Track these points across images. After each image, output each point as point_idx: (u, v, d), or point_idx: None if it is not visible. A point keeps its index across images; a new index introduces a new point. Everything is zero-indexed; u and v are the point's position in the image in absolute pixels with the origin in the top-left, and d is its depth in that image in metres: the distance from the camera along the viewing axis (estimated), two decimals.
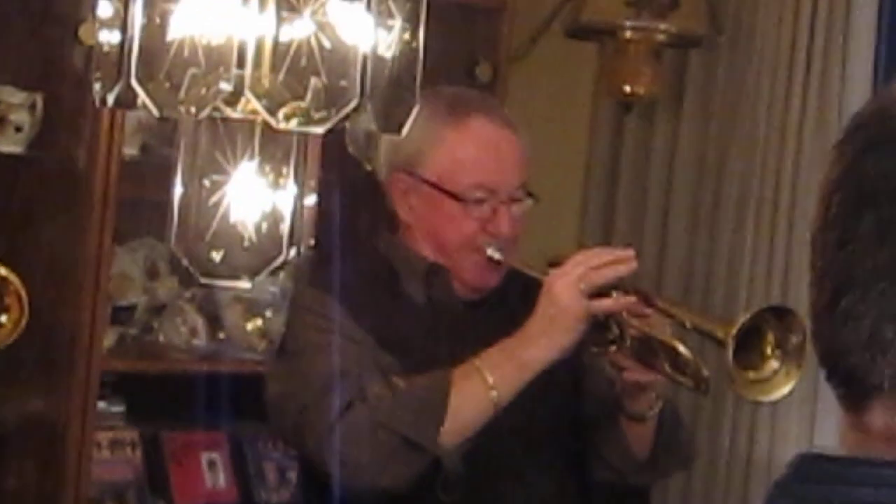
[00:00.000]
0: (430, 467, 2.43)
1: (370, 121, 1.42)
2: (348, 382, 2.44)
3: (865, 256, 1.02)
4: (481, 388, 2.42)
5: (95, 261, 3.23)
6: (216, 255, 1.48)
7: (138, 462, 3.54)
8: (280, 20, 1.40)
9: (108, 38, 1.43)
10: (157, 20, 1.39)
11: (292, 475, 3.69)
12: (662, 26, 3.72)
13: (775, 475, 1.08)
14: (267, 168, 1.48)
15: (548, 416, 2.60)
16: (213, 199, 1.47)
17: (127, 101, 1.40)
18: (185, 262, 1.49)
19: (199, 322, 3.59)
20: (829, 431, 3.47)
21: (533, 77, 3.91)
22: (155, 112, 1.40)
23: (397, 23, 1.43)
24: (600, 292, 2.43)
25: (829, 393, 1.07)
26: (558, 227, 3.77)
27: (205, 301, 3.63)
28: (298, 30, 1.40)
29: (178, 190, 1.49)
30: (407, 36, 1.44)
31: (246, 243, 1.47)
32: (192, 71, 1.39)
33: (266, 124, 1.42)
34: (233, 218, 1.48)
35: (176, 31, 1.40)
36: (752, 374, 2.40)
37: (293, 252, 1.48)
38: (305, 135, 1.46)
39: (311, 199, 1.54)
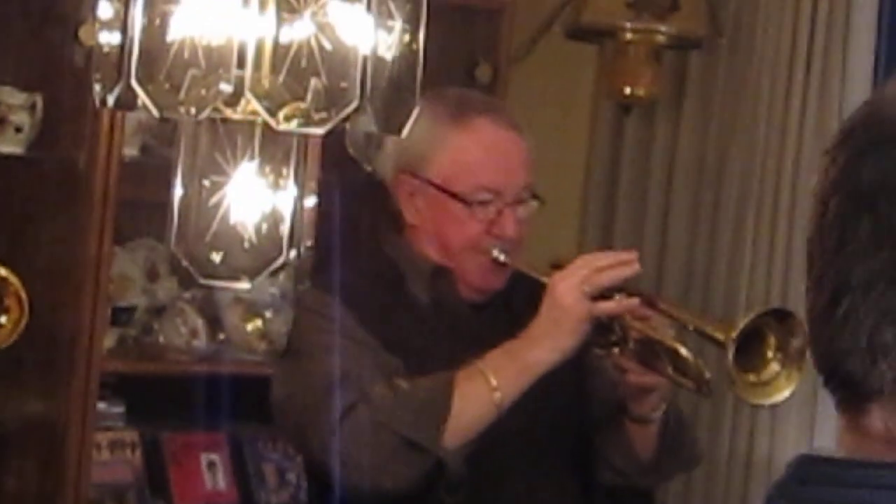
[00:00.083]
0: (432, 469, 2.43)
1: (370, 122, 1.42)
2: (351, 384, 2.44)
3: (863, 260, 1.02)
4: (484, 389, 2.42)
5: (95, 262, 3.23)
6: (216, 256, 1.48)
7: (138, 463, 3.54)
8: (280, 21, 1.40)
9: (109, 38, 1.43)
10: (158, 21, 1.39)
11: (292, 476, 3.69)
12: (662, 28, 3.72)
13: (775, 476, 1.08)
14: (267, 169, 1.48)
15: (551, 418, 2.60)
16: (213, 200, 1.47)
17: (127, 101, 1.40)
18: (185, 263, 1.49)
19: (199, 323, 3.59)
20: (828, 433, 3.47)
21: (533, 78, 3.91)
22: (155, 113, 1.40)
23: (397, 24, 1.43)
24: (603, 295, 2.43)
25: (828, 395, 1.07)
26: (558, 228, 3.77)
27: (205, 302, 3.63)
28: (298, 31, 1.40)
29: (178, 191, 1.49)
30: (407, 37, 1.44)
31: (246, 244, 1.47)
32: (192, 72, 1.39)
33: (266, 125, 1.42)
34: (233, 219, 1.48)
35: (176, 31, 1.40)
36: (752, 377, 2.40)
37: (293, 253, 1.48)
38: (305, 136, 1.46)
39: (311, 201, 1.54)
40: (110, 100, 1.42)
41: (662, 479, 2.83)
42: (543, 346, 2.42)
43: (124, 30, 1.40)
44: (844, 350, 1.02)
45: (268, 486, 3.69)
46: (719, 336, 2.40)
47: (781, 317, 2.40)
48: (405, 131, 1.47)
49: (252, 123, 1.45)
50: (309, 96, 1.38)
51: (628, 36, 3.73)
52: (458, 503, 2.50)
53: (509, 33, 3.80)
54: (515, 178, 2.58)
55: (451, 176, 2.56)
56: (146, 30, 1.39)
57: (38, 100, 3.30)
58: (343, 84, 1.38)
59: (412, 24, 1.44)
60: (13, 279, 2.83)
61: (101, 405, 3.40)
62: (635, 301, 2.45)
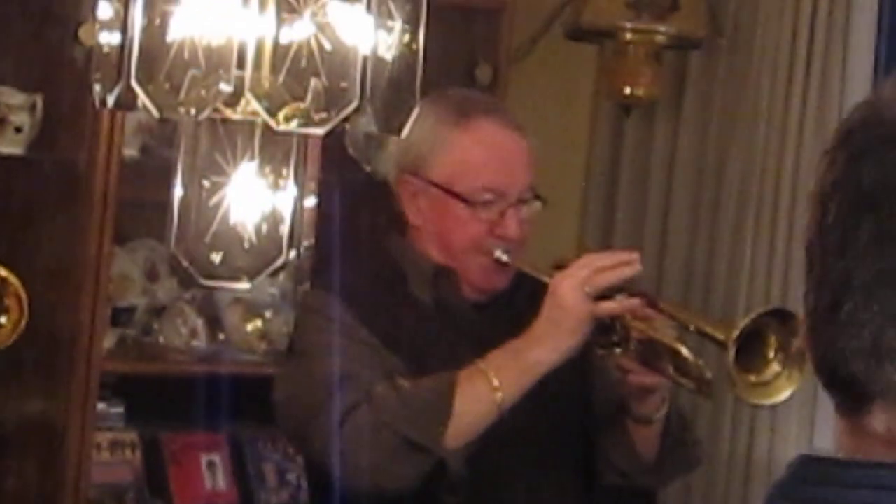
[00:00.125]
0: (434, 469, 2.43)
1: (370, 122, 1.42)
2: (354, 384, 2.45)
3: (866, 263, 1.02)
4: (486, 389, 2.42)
5: (95, 262, 3.23)
6: (216, 257, 1.48)
7: (138, 463, 3.54)
8: (280, 21, 1.40)
9: (109, 39, 1.43)
10: (158, 21, 1.40)
11: (292, 476, 3.69)
12: (662, 28, 3.72)
13: (775, 477, 1.08)
14: (267, 169, 1.48)
15: (553, 419, 2.60)
16: (213, 200, 1.48)
17: (127, 102, 1.40)
18: (185, 263, 1.49)
19: (199, 323, 3.59)
20: (828, 433, 3.47)
21: (533, 79, 3.91)
22: (155, 113, 1.40)
23: (397, 24, 1.43)
24: (605, 295, 2.44)
25: (828, 395, 1.08)
26: (558, 228, 3.76)
27: (205, 302, 3.63)
28: (298, 31, 1.40)
29: (178, 191, 1.49)
30: (407, 37, 1.44)
31: (246, 245, 1.47)
32: (192, 72, 1.39)
33: (266, 125, 1.42)
34: (233, 219, 1.48)
35: (176, 32, 1.40)
36: (753, 378, 2.40)
37: (293, 253, 1.48)
38: (305, 136, 1.46)
39: (310, 201, 1.55)
40: (110, 100, 1.42)
41: (664, 479, 2.84)
42: (545, 346, 2.43)
43: (124, 30, 1.40)
44: (848, 351, 1.02)
45: (268, 487, 3.69)
46: (720, 336, 2.40)
47: (782, 317, 2.40)
48: (405, 131, 1.47)
49: (252, 124, 1.45)
50: (309, 96, 1.38)
51: (628, 36, 3.73)
52: (459, 503, 2.50)
53: (509, 33, 3.80)
54: (518, 179, 2.58)
55: (454, 176, 2.56)
56: (146, 30, 1.39)
57: (38, 100, 3.30)
58: (343, 84, 1.38)
59: (412, 24, 1.44)
60: (13, 279, 2.83)
61: (101, 405, 3.40)
62: (637, 301, 2.45)
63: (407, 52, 1.44)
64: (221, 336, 3.63)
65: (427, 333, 2.57)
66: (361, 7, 1.39)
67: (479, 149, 2.57)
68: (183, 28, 1.40)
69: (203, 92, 1.38)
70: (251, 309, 3.64)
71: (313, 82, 1.38)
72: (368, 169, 3.70)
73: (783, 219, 3.61)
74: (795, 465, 1.07)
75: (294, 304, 3.64)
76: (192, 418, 3.46)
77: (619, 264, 2.47)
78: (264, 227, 1.48)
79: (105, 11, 1.44)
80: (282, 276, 3.55)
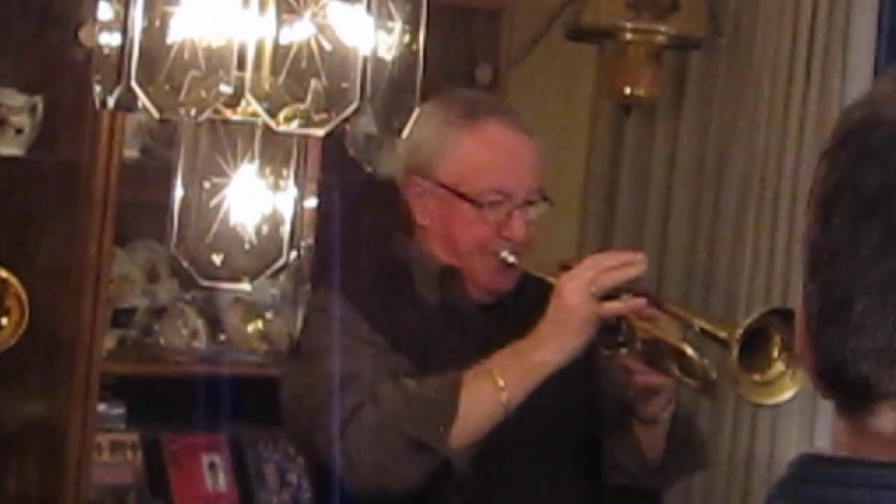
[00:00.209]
0: (439, 469, 2.44)
1: (370, 123, 1.42)
2: (359, 384, 2.45)
3: (876, 264, 1.02)
4: (491, 390, 2.43)
5: (96, 263, 3.23)
6: (216, 258, 1.48)
7: (138, 464, 3.54)
8: (280, 22, 1.40)
9: (109, 40, 1.43)
10: (158, 23, 1.40)
11: (293, 477, 3.69)
12: (662, 28, 3.72)
13: (776, 475, 1.08)
14: (267, 170, 1.48)
15: (558, 419, 2.61)
16: (214, 201, 1.48)
17: (127, 103, 1.40)
18: (185, 264, 1.49)
19: (200, 324, 3.59)
20: (829, 433, 3.47)
21: (533, 79, 3.91)
22: (155, 114, 1.40)
23: (397, 25, 1.43)
24: (610, 295, 2.44)
25: None
26: (559, 229, 3.76)
27: (205, 303, 3.63)
28: (299, 32, 1.40)
29: (178, 192, 1.49)
30: (407, 38, 1.44)
31: (246, 245, 1.48)
32: (192, 73, 1.39)
33: (266, 127, 1.42)
34: (233, 220, 1.48)
35: (176, 33, 1.40)
36: (757, 377, 2.40)
37: (293, 254, 1.48)
38: (306, 137, 1.46)
39: (311, 202, 1.55)
40: (110, 101, 1.42)
41: (670, 480, 2.84)
42: (550, 346, 2.43)
43: (124, 31, 1.40)
44: (858, 352, 1.03)
45: (268, 487, 3.69)
46: (724, 335, 2.40)
47: (787, 316, 2.40)
48: (412, 132, 1.47)
49: (252, 125, 1.46)
50: (309, 97, 1.38)
51: (628, 36, 3.73)
52: (464, 503, 2.51)
53: (509, 34, 3.80)
54: (525, 180, 2.59)
55: (461, 178, 2.57)
56: (146, 31, 1.39)
57: (39, 101, 3.30)
58: (343, 85, 1.38)
59: (412, 24, 1.45)
60: (14, 280, 2.83)
61: (102, 406, 3.40)
62: (642, 301, 2.46)
63: (407, 53, 1.45)
64: (222, 337, 3.63)
65: (433, 333, 2.58)
66: (361, 8, 1.39)
67: (487, 150, 2.58)
68: (183, 29, 1.40)
69: (203, 93, 1.39)
70: (252, 310, 3.64)
71: (313, 83, 1.38)
72: (369, 169, 3.70)
73: (783, 218, 3.61)
74: (796, 464, 1.07)
75: (294, 305, 3.65)
76: (193, 419, 3.46)
77: (624, 264, 2.47)
78: (265, 228, 1.48)
79: (105, 13, 1.44)
80: (282, 277, 3.55)
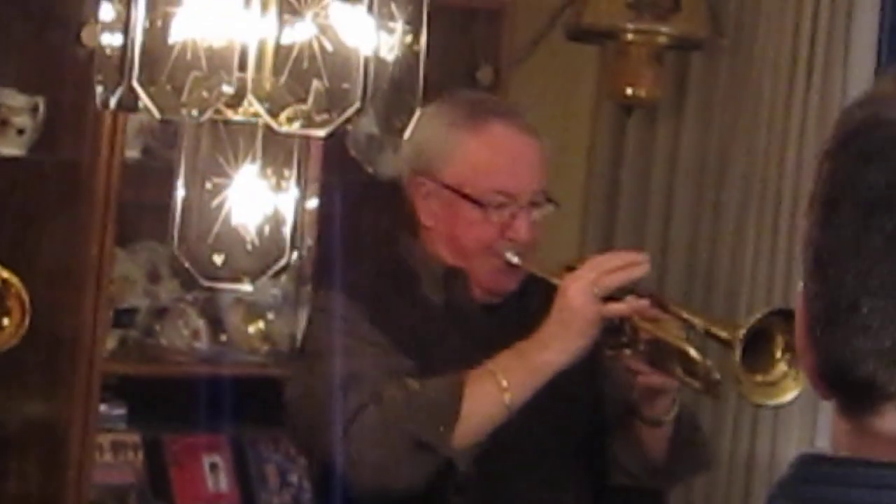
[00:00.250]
0: (442, 469, 2.44)
1: (372, 123, 1.42)
2: (362, 384, 2.45)
3: (882, 265, 1.02)
4: (494, 390, 2.43)
5: (97, 263, 3.23)
6: (218, 258, 1.48)
7: (140, 465, 3.54)
8: (282, 23, 1.40)
9: (111, 40, 1.43)
10: (159, 23, 1.40)
11: (294, 478, 3.69)
12: (664, 29, 3.72)
13: (777, 476, 1.08)
14: (269, 171, 1.48)
15: (562, 420, 2.61)
16: (215, 201, 1.48)
17: (129, 103, 1.41)
18: (186, 264, 1.49)
19: (201, 325, 3.59)
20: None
21: (534, 80, 3.91)
22: (157, 115, 1.40)
23: (399, 25, 1.43)
24: (614, 296, 2.44)
25: None
26: (560, 229, 3.76)
27: (206, 304, 3.63)
28: (300, 32, 1.40)
29: (179, 193, 1.49)
30: (409, 39, 1.44)
31: (248, 246, 1.48)
32: (193, 74, 1.39)
33: (268, 127, 1.42)
34: (234, 221, 1.48)
35: (178, 33, 1.40)
36: (760, 378, 2.40)
37: (295, 255, 1.48)
38: (307, 137, 1.46)
39: (312, 202, 1.55)
40: (112, 101, 1.42)
41: (674, 481, 2.84)
42: (554, 347, 2.44)
43: (126, 32, 1.40)
44: (863, 353, 1.03)
45: (269, 488, 3.69)
46: (727, 336, 2.40)
47: (789, 317, 2.39)
48: (407, 133, 1.47)
49: (254, 125, 1.46)
50: (310, 98, 1.39)
51: (629, 37, 3.73)
52: (467, 503, 2.51)
53: (510, 35, 3.80)
54: (530, 182, 2.59)
55: (466, 179, 2.57)
56: (148, 32, 1.39)
57: (40, 102, 3.30)
58: (345, 86, 1.38)
59: (414, 25, 1.45)
60: (15, 281, 2.83)
61: (103, 407, 3.40)
62: (645, 302, 2.46)
63: (408, 54, 1.45)
64: (223, 337, 3.63)
65: (437, 334, 2.58)
66: (363, 8, 1.39)
67: (491, 152, 2.59)
68: (185, 29, 1.40)
69: (205, 93, 1.39)
70: (253, 310, 3.64)
71: (315, 84, 1.38)
72: (370, 170, 3.70)
73: (785, 218, 3.61)
74: (797, 463, 1.07)
75: (296, 306, 3.65)
76: (194, 419, 3.46)
77: (628, 265, 2.47)
78: (266, 229, 1.48)
79: (107, 13, 1.44)
80: (284, 278, 3.55)
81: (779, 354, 2.39)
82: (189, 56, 1.39)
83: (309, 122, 1.39)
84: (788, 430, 3.56)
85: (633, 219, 3.97)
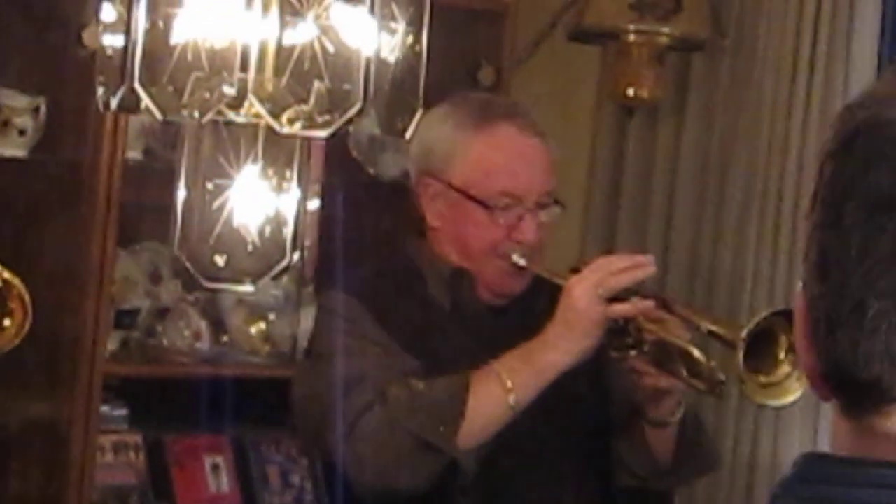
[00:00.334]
0: (446, 469, 2.44)
1: (373, 124, 1.42)
2: (368, 385, 2.46)
3: (890, 267, 1.02)
4: (499, 391, 2.43)
5: (99, 264, 3.23)
6: (219, 259, 1.48)
7: (141, 466, 3.54)
8: (283, 24, 1.40)
9: (112, 41, 1.43)
10: (161, 24, 1.40)
11: (295, 479, 3.69)
12: (665, 30, 3.72)
13: (779, 476, 1.08)
14: (270, 172, 1.48)
15: (568, 421, 2.61)
16: (217, 202, 1.48)
17: (130, 104, 1.41)
18: (188, 265, 1.49)
19: (203, 326, 3.59)
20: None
21: (536, 81, 3.91)
22: (158, 116, 1.40)
23: (401, 27, 1.43)
24: (619, 297, 2.44)
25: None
26: (561, 230, 3.76)
27: (208, 305, 3.63)
28: (302, 34, 1.40)
29: (181, 194, 1.49)
30: (410, 40, 1.44)
31: (249, 247, 1.48)
32: (195, 75, 1.39)
33: (269, 128, 1.42)
34: (236, 222, 1.48)
35: (179, 35, 1.40)
36: (763, 379, 2.40)
37: (296, 256, 1.48)
38: (309, 138, 1.46)
39: (314, 203, 1.55)
40: (114, 102, 1.42)
41: (680, 482, 2.85)
42: (558, 348, 2.44)
43: (128, 33, 1.40)
44: (871, 355, 1.02)
45: (271, 489, 3.69)
46: (731, 337, 2.40)
47: (793, 317, 2.39)
48: (409, 133, 1.47)
49: (255, 126, 1.46)
50: (312, 99, 1.39)
51: (631, 38, 3.73)
52: (472, 503, 2.51)
53: (512, 35, 3.80)
54: (537, 184, 2.60)
55: (473, 180, 2.58)
56: (149, 33, 1.39)
57: (42, 103, 3.30)
58: (346, 86, 1.38)
59: (415, 26, 1.45)
60: (16, 282, 2.83)
61: (105, 408, 3.40)
62: (650, 304, 2.46)
63: (410, 55, 1.45)
64: (225, 338, 3.63)
65: (443, 335, 2.58)
66: (364, 9, 1.39)
67: (498, 153, 2.59)
68: (186, 31, 1.40)
69: (206, 94, 1.39)
70: (255, 311, 3.64)
71: (316, 85, 1.38)
72: (372, 171, 3.70)
73: (787, 218, 3.61)
74: (800, 463, 1.07)
75: (297, 307, 3.65)
76: (196, 420, 3.46)
77: (633, 267, 2.48)
78: (268, 230, 1.48)
79: (108, 14, 1.44)
80: (285, 279, 3.55)
81: (782, 355, 2.39)
82: (190, 57, 1.39)
83: (310, 123, 1.39)
84: (790, 430, 3.56)
85: (634, 219, 3.97)
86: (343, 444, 2.44)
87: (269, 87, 1.39)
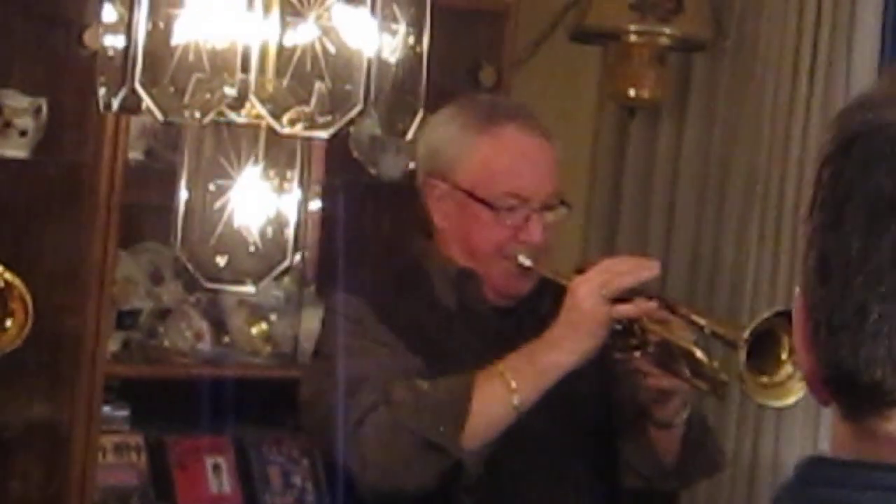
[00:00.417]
0: (451, 469, 2.44)
1: (375, 125, 1.42)
2: (373, 385, 2.46)
3: (891, 271, 1.02)
4: (503, 391, 2.44)
5: (100, 265, 3.23)
6: (221, 260, 1.48)
7: (143, 466, 3.54)
8: (284, 25, 1.40)
9: (113, 42, 1.43)
10: (162, 25, 1.40)
11: (297, 479, 3.69)
12: (667, 30, 3.72)
13: (779, 478, 1.08)
14: (271, 173, 1.48)
15: (573, 422, 2.62)
16: (218, 203, 1.48)
17: (131, 105, 1.41)
18: (189, 266, 1.49)
19: (204, 326, 3.59)
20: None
21: (537, 81, 3.91)
22: (159, 117, 1.40)
23: (401, 27, 1.43)
24: (623, 298, 2.45)
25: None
26: (563, 231, 3.76)
27: (209, 305, 3.63)
28: (303, 34, 1.40)
29: (182, 195, 1.49)
30: (411, 40, 1.44)
31: (250, 248, 1.48)
32: (196, 76, 1.39)
33: (270, 129, 1.42)
34: (237, 223, 1.48)
35: (180, 35, 1.40)
36: (766, 379, 2.41)
37: (297, 256, 1.48)
38: (310, 139, 1.46)
39: (315, 204, 1.55)
40: (115, 104, 1.42)
41: (685, 483, 2.85)
42: (562, 348, 2.44)
43: (129, 34, 1.40)
44: (873, 359, 1.02)
45: (273, 490, 3.69)
46: (733, 338, 2.40)
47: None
48: (410, 134, 1.47)
49: (256, 127, 1.46)
50: (313, 100, 1.39)
51: (632, 38, 3.73)
52: (477, 503, 2.52)
53: (513, 36, 3.80)
54: (543, 185, 2.60)
55: (479, 182, 2.58)
56: (150, 34, 1.39)
57: (43, 104, 3.30)
58: (347, 87, 1.38)
59: (416, 27, 1.45)
60: (18, 283, 2.83)
61: (106, 408, 3.40)
62: (653, 304, 2.47)
63: (411, 55, 1.45)
64: (226, 339, 3.64)
65: (449, 336, 2.59)
66: (365, 10, 1.39)
67: (504, 155, 2.59)
68: (187, 32, 1.40)
69: (207, 95, 1.39)
70: (256, 312, 3.64)
71: (317, 85, 1.39)
72: (373, 171, 3.70)
73: (788, 220, 3.61)
74: (802, 466, 1.07)
75: (299, 307, 3.65)
76: (197, 421, 3.46)
77: (637, 268, 2.48)
78: (269, 231, 1.48)
79: (109, 15, 1.44)
80: (286, 279, 3.55)
81: (784, 356, 2.39)
82: (191, 58, 1.39)
83: (311, 124, 1.39)
84: (791, 431, 3.56)
85: (635, 220, 3.97)
86: (348, 445, 2.44)
87: (270, 87, 1.39)
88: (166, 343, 3.57)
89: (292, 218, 1.48)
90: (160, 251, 3.60)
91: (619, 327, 2.49)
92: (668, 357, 2.49)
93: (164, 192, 1.59)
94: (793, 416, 3.50)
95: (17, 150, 3.27)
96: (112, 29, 1.43)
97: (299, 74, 1.39)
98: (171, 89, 1.39)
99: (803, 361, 1.08)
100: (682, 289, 3.79)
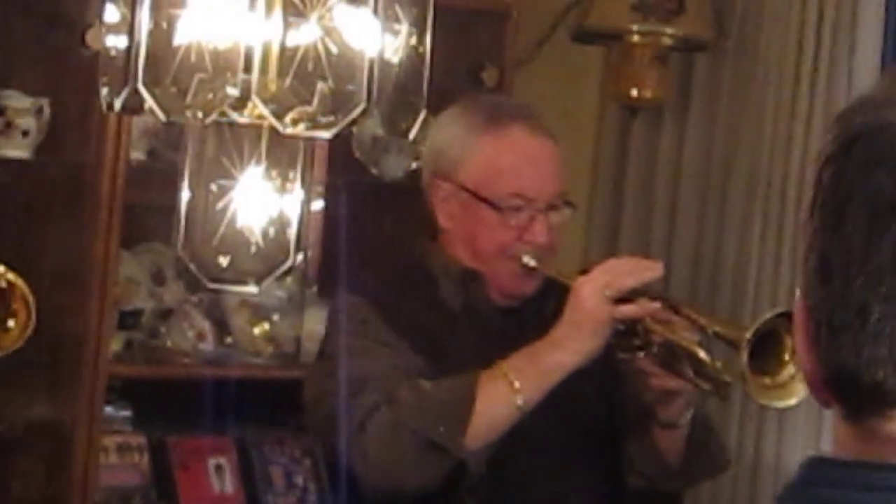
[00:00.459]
0: (454, 469, 2.44)
1: (377, 125, 1.42)
2: (377, 385, 2.46)
3: (892, 272, 1.02)
4: (506, 391, 2.44)
5: (102, 266, 3.23)
6: (223, 260, 1.48)
7: (145, 467, 3.54)
8: (286, 25, 1.40)
9: (115, 43, 1.44)
10: (164, 25, 1.40)
11: (299, 480, 3.69)
12: (668, 30, 3.71)
13: (782, 478, 1.08)
14: (274, 173, 1.48)
15: (577, 422, 2.62)
16: (220, 204, 1.48)
17: (134, 105, 1.41)
18: (192, 266, 1.49)
19: (206, 327, 3.59)
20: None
21: (539, 81, 3.91)
22: (162, 117, 1.40)
23: (404, 28, 1.43)
24: (626, 298, 2.45)
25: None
26: (565, 231, 3.76)
27: (211, 306, 3.63)
28: (305, 35, 1.40)
29: (185, 195, 1.49)
30: (413, 41, 1.44)
31: (253, 248, 1.48)
32: (198, 76, 1.39)
33: (273, 129, 1.42)
34: (240, 223, 1.48)
35: (183, 36, 1.40)
36: (768, 380, 2.41)
37: (300, 257, 1.49)
38: (312, 139, 1.46)
39: (317, 204, 1.55)
40: (117, 104, 1.42)
41: (689, 483, 2.85)
42: (566, 348, 2.44)
43: (131, 34, 1.40)
44: (875, 359, 1.02)
45: (275, 490, 3.69)
46: (736, 339, 2.40)
47: None
48: (412, 134, 1.47)
49: (259, 127, 1.46)
50: (315, 100, 1.39)
51: (634, 39, 3.73)
52: (479, 503, 2.52)
53: (515, 36, 3.80)
54: (547, 185, 2.60)
55: (484, 182, 2.58)
56: (153, 34, 1.39)
57: (45, 104, 3.30)
58: (349, 87, 1.38)
59: (418, 27, 1.45)
60: (20, 283, 2.84)
61: (108, 409, 3.40)
62: (657, 305, 2.47)
63: (413, 56, 1.45)
64: (228, 339, 3.63)
65: (452, 336, 2.59)
66: (368, 10, 1.39)
67: (509, 155, 2.60)
68: (189, 32, 1.40)
69: (210, 96, 1.39)
70: (258, 312, 3.64)
71: (320, 86, 1.39)
72: (375, 172, 3.70)
73: (790, 220, 3.61)
74: (805, 466, 1.07)
75: (301, 308, 3.65)
76: (200, 421, 3.46)
77: (640, 268, 2.48)
78: (271, 231, 1.48)
79: (112, 15, 1.44)
80: (289, 279, 3.55)
81: (787, 357, 2.39)
82: (194, 58, 1.39)
83: (314, 124, 1.39)
84: (794, 432, 3.56)
85: (637, 220, 3.97)
86: (351, 445, 2.44)
87: (273, 88, 1.39)
88: (168, 343, 3.57)
89: (294, 218, 1.48)
90: (162, 251, 3.60)
91: (622, 328, 2.49)
92: (671, 357, 2.49)
93: (167, 193, 1.59)
94: (795, 416, 3.50)
95: (19, 150, 3.27)
96: (114, 29, 1.43)
97: (301, 74, 1.39)
98: (174, 89, 1.39)
99: (804, 362, 1.08)
100: (684, 289, 3.79)
